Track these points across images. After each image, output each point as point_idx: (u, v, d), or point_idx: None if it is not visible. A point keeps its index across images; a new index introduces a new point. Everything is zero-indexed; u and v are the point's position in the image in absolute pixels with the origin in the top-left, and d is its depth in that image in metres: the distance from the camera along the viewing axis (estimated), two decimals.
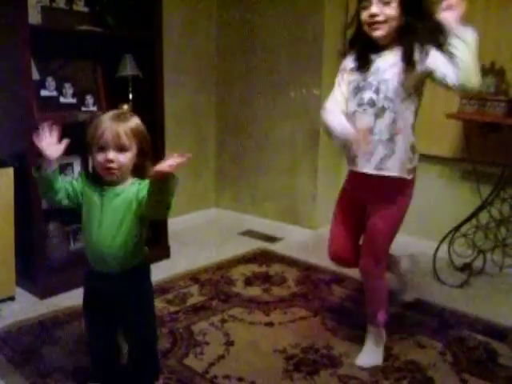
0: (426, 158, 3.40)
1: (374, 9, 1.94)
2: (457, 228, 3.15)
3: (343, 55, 2.17)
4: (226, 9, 4.10)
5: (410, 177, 2.11)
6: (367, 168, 2.08)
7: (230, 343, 2.39)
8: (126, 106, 3.11)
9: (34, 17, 2.71)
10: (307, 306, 2.76)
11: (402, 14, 1.95)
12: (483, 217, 3.14)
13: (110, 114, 1.73)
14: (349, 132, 2.01)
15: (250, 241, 3.82)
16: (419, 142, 3.31)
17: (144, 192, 1.70)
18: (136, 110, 3.03)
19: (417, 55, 1.93)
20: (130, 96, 3.15)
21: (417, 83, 2.02)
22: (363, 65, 2.06)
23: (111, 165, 1.68)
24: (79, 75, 3.09)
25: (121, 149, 1.68)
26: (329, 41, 3.63)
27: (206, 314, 2.65)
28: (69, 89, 2.98)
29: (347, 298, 2.87)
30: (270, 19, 3.86)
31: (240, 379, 2.11)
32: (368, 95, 2.04)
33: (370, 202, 2.18)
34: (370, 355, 2.27)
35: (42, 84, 2.87)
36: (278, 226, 4.00)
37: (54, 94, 2.93)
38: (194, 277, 3.11)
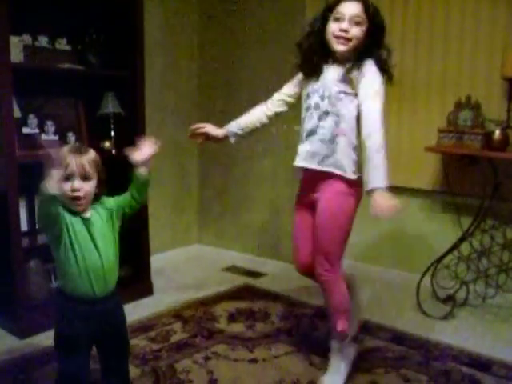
0: (406, 190, 3.45)
1: (346, 25, 2.08)
2: (439, 260, 3.17)
3: (298, 68, 2.31)
4: (207, 48, 4.18)
5: (354, 177, 2.19)
6: (312, 164, 2.24)
7: (213, 381, 2.35)
8: (107, 144, 3.12)
9: (17, 55, 2.72)
10: (291, 342, 2.73)
11: (366, 38, 2.11)
12: (465, 248, 3.17)
13: (69, 146, 1.85)
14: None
15: (233, 277, 3.79)
16: (399, 175, 3.41)
17: (116, 202, 1.90)
18: (118, 147, 3.07)
19: (356, 73, 2.11)
20: (112, 133, 3.16)
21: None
22: (315, 73, 2.21)
23: (77, 193, 1.76)
24: (61, 113, 3.10)
25: (85, 178, 1.78)
26: None
27: (189, 352, 2.61)
28: (51, 126, 2.98)
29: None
30: (251, 57, 3.93)
31: None
32: (314, 100, 2.20)
33: (317, 200, 2.25)
34: (330, 377, 2.26)
35: (23, 122, 2.87)
36: (261, 262, 3.99)
37: (36, 131, 2.92)
38: (176, 314, 3.07)
